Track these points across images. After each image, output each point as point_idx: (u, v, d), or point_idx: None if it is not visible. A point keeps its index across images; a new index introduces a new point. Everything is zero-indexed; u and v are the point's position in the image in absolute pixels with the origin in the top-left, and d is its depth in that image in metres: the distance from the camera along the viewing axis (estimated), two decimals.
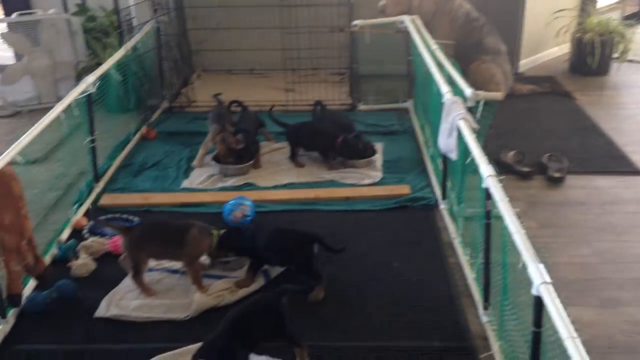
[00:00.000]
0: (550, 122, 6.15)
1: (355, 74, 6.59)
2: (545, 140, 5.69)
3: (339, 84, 6.79)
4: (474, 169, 3.79)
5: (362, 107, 6.55)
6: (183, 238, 3.66)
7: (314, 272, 3.71)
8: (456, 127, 3.80)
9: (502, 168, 5.16)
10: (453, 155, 4.00)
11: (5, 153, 3.50)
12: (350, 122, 5.64)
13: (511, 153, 5.24)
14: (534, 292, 2.41)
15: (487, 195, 3.16)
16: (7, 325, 3.48)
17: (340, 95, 6.57)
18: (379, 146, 5.57)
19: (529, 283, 2.69)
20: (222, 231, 3.82)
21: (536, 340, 2.51)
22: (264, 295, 3.27)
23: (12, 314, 3.55)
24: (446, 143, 4.05)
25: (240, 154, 5.15)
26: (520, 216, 3.20)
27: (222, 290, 3.71)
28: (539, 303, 2.41)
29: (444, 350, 3.31)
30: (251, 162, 5.22)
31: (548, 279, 2.37)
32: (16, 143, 3.64)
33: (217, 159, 5.18)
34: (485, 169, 3.17)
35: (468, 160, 3.62)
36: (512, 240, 2.75)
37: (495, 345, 3.26)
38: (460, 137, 3.87)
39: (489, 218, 3.25)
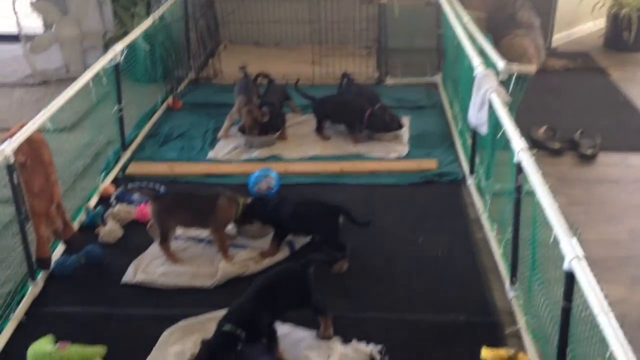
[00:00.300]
0: (583, 99, 6.01)
1: (383, 48, 6.50)
2: (578, 117, 5.57)
3: (366, 58, 6.69)
4: (504, 144, 3.73)
5: (389, 81, 6.47)
6: (212, 207, 3.67)
7: (338, 243, 3.69)
8: (487, 101, 3.72)
9: (532, 144, 5.05)
10: (483, 129, 3.93)
11: (35, 119, 3.52)
12: (376, 94, 5.57)
13: (542, 129, 5.14)
14: (565, 266, 2.36)
15: (519, 169, 3.10)
16: (36, 288, 3.53)
17: (368, 68, 6.49)
18: (406, 120, 5.49)
19: (558, 259, 2.65)
20: (248, 200, 3.82)
21: (566, 316, 2.47)
22: (290, 264, 3.27)
23: (41, 276, 3.61)
24: (477, 117, 3.97)
25: (265, 125, 5.13)
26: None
27: (247, 259, 3.72)
28: (570, 278, 2.36)
29: (469, 325, 3.28)
30: (277, 134, 5.20)
31: (581, 254, 2.32)
32: (46, 109, 3.66)
33: (242, 130, 5.17)
34: (518, 142, 3.10)
35: (499, 134, 3.55)
36: (543, 215, 2.70)
37: (521, 320, 3.22)
38: (491, 111, 3.80)
39: (520, 193, 3.19)
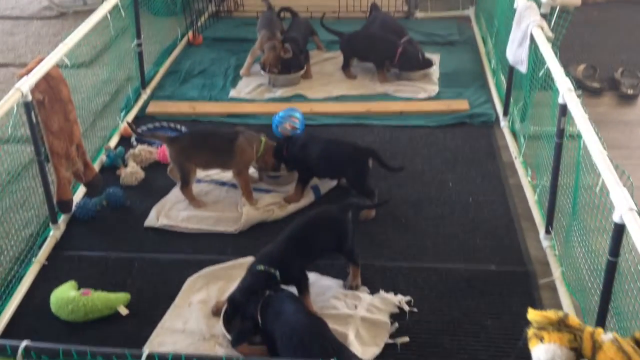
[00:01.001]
0: (626, 34, 5.66)
1: None
2: (619, 54, 5.26)
3: None
4: (542, 83, 3.52)
5: (418, 14, 6.15)
6: (231, 146, 3.54)
7: (367, 188, 3.56)
8: (529, 36, 3.47)
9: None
10: (523, 68, 3.69)
11: (52, 54, 3.36)
12: (402, 27, 5.26)
13: (581, 67, 4.86)
14: (616, 218, 2.20)
15: (563, 111, 2.89)
16: (58, 231, 3.48)
17: (396, 1, 6.16)
18: (435, 57, 5.23)
19: (602, 208, 2.50)
20: (269, 141, 3.67)
21: (611, 270, 2.33)
22: (329, 207, 3.17)
23: (62, 220, 3.55)
24: (516, 53, 3.73)
25: (288, 63, 4.91)
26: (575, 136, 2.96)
27: (271, 204, 3.61)
28: (619, 230, 2.21)
29: (500, 275, 3.17)
30: (301, 72, 4.99)
31: (633, 206, 2.15)
32: (62, 44, 3.50)
33: (264, 67, 4.97)
34: (563, 82, 2.88)
35: (541, 72, 3.32)
36: (590, 161, 2.53)
37: (556, 272, 3.10)
38: (531, 48, 3.55)
39: (562, 137, 3.00)
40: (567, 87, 2.82)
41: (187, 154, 3.55)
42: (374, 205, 3.47)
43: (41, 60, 3.26)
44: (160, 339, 2.85)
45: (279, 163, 3.66)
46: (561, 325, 1.73)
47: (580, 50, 5.27)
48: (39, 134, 3.23)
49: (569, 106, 2.75)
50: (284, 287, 2.83)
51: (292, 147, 3.63)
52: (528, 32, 3.48)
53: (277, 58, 4.86)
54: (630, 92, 4.66)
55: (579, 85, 4.74)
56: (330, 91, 4.87)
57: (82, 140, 3.60)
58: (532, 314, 1.76)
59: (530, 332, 1.82)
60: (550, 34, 3.38)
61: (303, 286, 2.90)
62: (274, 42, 4.87)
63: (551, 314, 1.71)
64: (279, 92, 4.86)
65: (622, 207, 2.14)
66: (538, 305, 2.97)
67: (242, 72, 5.11)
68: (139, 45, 4.69)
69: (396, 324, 2.87)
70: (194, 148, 3.56)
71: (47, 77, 3.25)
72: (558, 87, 2.90)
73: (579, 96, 2.82)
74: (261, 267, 2.79)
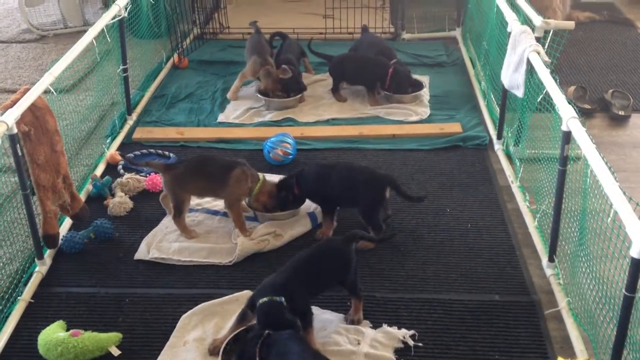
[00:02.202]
0: (611, 54, 5.69)
1: None
2: (608, 74, 5.27)
3: (380, 10, 6.32)
4: (538, 106, 3.48)
5: (405, 35, 6.13)
6: (226, 176, 3.43)
7: (376, 220, 3.44)
8: (526, 61, 3.44)
9: None
10: (520, 92, 3.66)
11: (37, 85, 3.23)
12: (390, 49, 5.22)
13: (571, 88, 4.85)
14: (634, 254, 2.14)
15: (567, 139, 2.84)
16: (44, 267, 3.32)
17: (383, 22, 6.14)
18: (425, 79, 5.20)
19: (610, 235, 2.45)
20: (268, 182, 3.56)
21: (627, 306, 2.26)
22: (334, 238, 3.05)
23: (49, 254, 3.40)
24: (512, 78, 3.69)
25: (288, 85, 4.82)
26: (579, 158, 2.93)
27: (266, 234, 3.50)
28: (637, 265, 2.15)
29: (505, 305, 3.09)
30: (299, 95, 4.89)
31: None
32: (48, 73, 3.37)
33: (263, 93, 4.86)
34: (566, 109, 2.84)
35: (539, 98, 3.28)
36: (596, 187, 2.48)
37: (562, 302, 3.03)
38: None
39: (565, 165, 2.95)
40: (571, 115, 2.77)
41: (183, 182, 3.44)
42: (379, 239, 3.38)
43: (26, 90, 3.14)
44: None
45: (286, 202, 3.53)
46: None
47: (569, 72, 5.28)
48: (24, 166, 3.09)
49: (575, 135, 2.70)
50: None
51: (305, 183, 3.50)
52: (524, 57, 3.45)
53: (275, 83, 4.77)
54: (621, 113, 4.66)
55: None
56: (321, 114, 4.80)
57: (68, 171, 3.46)
58: None
59: None
60: (547, 58, 3.35)
61: (308, 320, 2.79)
62: (268, 68, 4.78)
63: None
64: (269, 116, 4.77)
65: None
66: (545, 338, 2.90)
67: (229, 95, 5.01)
68: (125, 70, 4.57)
69: None
70: (189, 175, 3.45)
71: (33, 108, 3.12)
72: (561, 114, 2.85)
73: (582, 123, 2.77)
74: (264, 299, 2.68)
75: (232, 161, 3.54)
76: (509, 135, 4.21)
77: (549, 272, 3.23)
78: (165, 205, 3.64)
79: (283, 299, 2.68)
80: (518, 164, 3.97)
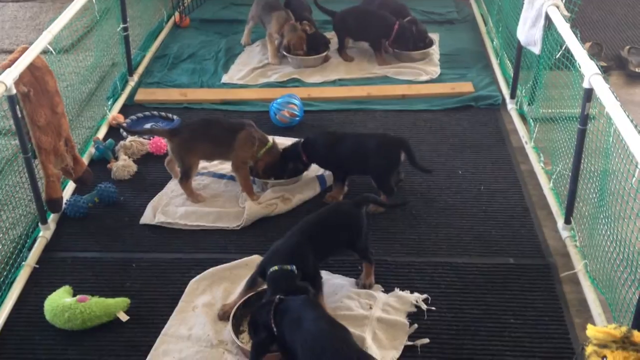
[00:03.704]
0: (629, 10, 5.50)
1: None
2: (624, 31, 5.10)
3: None
4: (553, 64, 3.36)
5: None
6: (232, 138, 3.33)
7: (389, 184, 3.35)
8: (544, 15, 3.29)
9: None
10: (537, 49, 3.52)
11: (36, 43, 3.11)
12: (404, 5, 5.06)
13: (587, 45, 4.69)
14: None
15: (588, 96, 2.73)
16: (48, 232, 3.25)
17: None
18: (435, 37, 5.04)
19: (628, 194, 2.36)
20: (276, 147, 3.45)
21: None
22: (344, 202, 2.97)
23: (52, 219, 3.32)
24: (529, 34, 3.55)
25: (315, 41, 4.66)
26: (596, 117, 2.83)
27: (274, 198, 3.42)
28: None
29: (520, 268, 3.02)
30: (326, 51, 4.74)
31: None
32: (47, 31, 3.24)
33: (288, 50, 4.70)
34: (588, 65, 2.71)
35: (558, 54, 3.15)
36: (622, 148, 2.38)
37: (579, 264, 2.96)
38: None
39: (586, 124, 2.84)
40: (594, 71, 2.65)
41: (189, 147, 3.34)
42: (390, 205, 3.29)
43: (25, 49, 3.01)
44: (165, 347, 2.66)
45: (294, 168, 3.43)
46: (626, 342, 1.58)
47: (584, 27, 5.10)
48: (24, 129, 2.99)
49: (597, 92, 2.59)
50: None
51: (314, 150, 3.40)
52: (543, 11, 3.31)
53: (302, 39, 4.61)
54: (638, 70, 4.52)
55: None
56: (328, 75, 4.66)
57: (70, 133, 3.36)
58: (592, 331, 1.60)
59: (590, 349, 1.67)
60: (566, 13, 3.20)
61: (317, 285, 2.72)
62: (293, 23, 4.61)
63: (614, 331, 1.55)
64: (274, 77, 4.64)
65: None
66: (561, 301, 2.84)
67: (271, 60, 4.76)
68: (125, 29, 4.42)
69: (415, 325, 2.72)
70: (196, 140, 3.34)
71: (32, 68, 3.00)
72: (583, 71, 2.73)
73: (605, 80, 2.66)
74: (275, 268, 2.61)
75: (238, 122, 3.43)
76: (523, 94, 4.09)
77: (564, 234, 3.15)
78: (170, 169, 3.55)
79: (294, 267, 2.61)
80: (532, 124, 3.85)
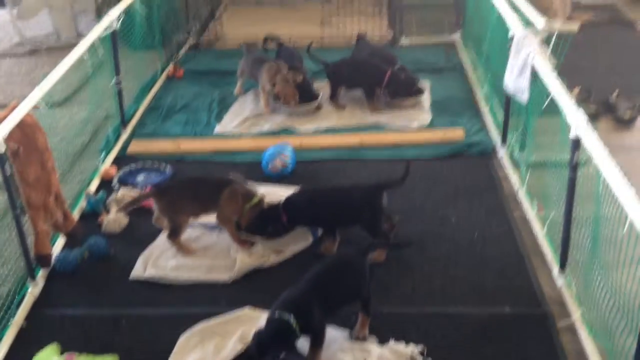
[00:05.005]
0: (614, 56, 5.59)
1: (397, 3, 6.03)
2: (612, 77, 5.17)
3: (378, 16, 6.23)
4: (542, 111, 3.38)
5: (404, 41, 6.04)
6: (217, 195, 3.34)
7: (381, 229, 3.33)
8: (530, 65, 3.34)
9: None
10: (524, 97, 3.55)
11: (26, 101, 3.13)
12: (392, 55, 5.14)
13: (575, 90, 4.74)
14: None
15: (576, 146, 2.74)
16: (36, 288, 3.21)
17: (381, 28, 6.05)
18: (425, 85, 5.10)
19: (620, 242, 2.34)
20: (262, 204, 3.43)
21: None
22: (347, 252, 2.97)
23: (41, 275, 3.29)
24: (516, 83, 3.59)
25: (305, 91, 4.71)
26: (586, 163, 2.82)
27: (266, 250, 3.38)
28: None
29: (516, 317, 2.97)
30: (317, 100, 4.78)
31: None
32: (38, 88, 3.27)
33: (280, 100, 4.73)
34: (575, 115, 2.73)
35: (545, 104, 3.18)
36: (612, 197, 2.37)
37: (575, 313, 2.91)
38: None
39: (575, 172, 2.84)
40: (581, 121, 2.66)
41: (177, 207, 3.34)
42: (397, 245, 3.30)
43: (15, 107, 3.03)
44: None
45: (275, 230, 3.38)
46: None
47: (571, 74, 5.14)
48: (13, 185, 2.98)
49: (584, 142, 2.59)
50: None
51: (296, 210, 3.37)
52: (529, 61, 3.35)
53: (293, 88, 4.67)
54: (627, 115, 4.56)
55: None
56: (319, 123, 4.69)
57: (60, 189, 3.35)
58: None
59: None
60: (552, 63, 3.24)
61: (319, 340, 2.67)
62: (284, 74, 4.66)
63: None
64: (267, 127, 4.67)
65: None
66: (559, 351, 2.78)
67: (265, 111, 4.79)
68: (119, 82, 4.46)
69: None
70: (182, 199, 3.36)
71: (22, 125, 3.01)
72: (569, 121, 2.74)
73: (593, 127, 2.67)
74: (285, 316, 2.57)
75: (223, 180, 3.44)
76: (514, 140, 4.11)
77: (560, 281, 3.12)
78: (159, 224, 3.53)
79: (292, 316, 2.57)
80: (524, 170, 3.85)
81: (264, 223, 3.36)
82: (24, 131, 3.04)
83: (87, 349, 2.83)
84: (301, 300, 2.64)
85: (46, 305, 3.15)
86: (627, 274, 2.45)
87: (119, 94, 4.52)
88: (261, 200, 3.41)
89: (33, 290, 3.19)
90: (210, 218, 3.65)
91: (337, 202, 3.35)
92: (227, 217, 3.36)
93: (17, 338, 2.96)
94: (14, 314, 3.04)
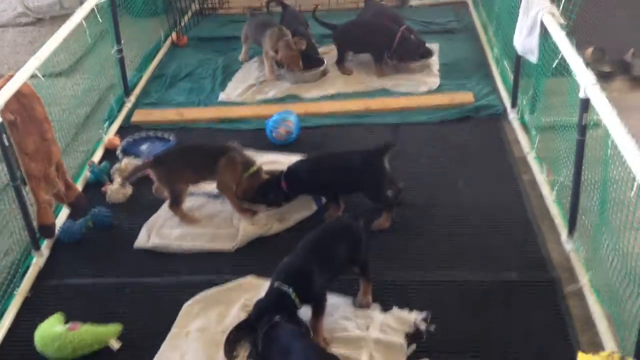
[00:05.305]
0: (633, 12, 5.38)
1: None
2: (628, 34, 4.98)
3: None
4: (554, 72, 3.27)
5: (413, 2, 5.88)
6: (214, 163, 3.30)
7: (385, 196, 3.25)
8: (540, 24, 3.21)
9: None
10: (533, 57, 3.44)
11: (22, 70, 3.08)
12: (398, 15, 5.00)
13: (589, 50, 4.61)
14: None
15: (584, 107, 2.64)
16: (41, 258, 3.21)
17: None
18: (434, 47, 4.97)
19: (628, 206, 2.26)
20: (261, 173, 3.39)
21: None
22: (342, 217, 2.93)
23: (46, 245, 3.29)
24: (525, 42, 3.47)
25: (309, 57, 4.61)
26: (597, 125, 2.73)
27: (269, 217, 3.35)
28: None
29: (523, 283, 2.92)
30: (323, 66, 4.69)
31: None
32: (34, 57, 3.22)
33: (283, 66, 4.64)
34: (584, 75, 2.63)
35: (555, 63, 3.07)
36: (621, 159, 2.29)
37: (583, 278, 2.86)
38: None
39: (584, 134, 2.75)
40: (590, 81, 2.56)
41: (174, 176, 3.32)
42: (385, 207, 3.21)
43: (11, 77, 2.98)
44: None
45: (275, 198, 3.34)
46: None
47: (586, 31, 4.99)
48: (12, 157, 2.96)
49: (594, 102, 2.50)
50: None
51: (297, 178, 3.30)
52: (538, 19, 3.23)
53: (296, 55, 4.56)
54: None
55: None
56: (326, 89, 4.60)
57: (61, 159, 3.32)
58: (583, 359, 1.51)
59: None
60: (562, 20, 3.12)
61: (320, 307, 2.65)
62: (287, 40, 4.55)
63: (605, 357, 1.46)
64: (271, 93, 4.59)
65: None
66: (566, 317, 2.73)
67: (268, 77, 4.70)
68: (120, 50, 4.40)
69: (414, 346, 2.63)
70: (179, 168, 3.32)
71: (19, 96, 2.97)
72: (579, 81, 2.64)
73: (602, 89, 2.57)
74: (284, 288, 2.54)
75: (220, 147, 3.40)
76: (524, 103, 4.00)
77: (568, 247, 3.05)
78: (160, 194, 3.50)
79: (291, 289, 2.54)
80: (534, 133, 3.76)
81: (264, 191, 3.31)
82: (21, 102, 3.00)
83: (91, 318, 2.82)
84: (299, 270, 2.61)
85: (51, 276, 3.16)
86: (635, 238, 2.38)
87: (121, 62, 4.46)
88: (259, 169, 3.36)
89: (38, 261, 3.19)
90: (213, 186, 3.63)
91: (336, 168, 3.29)
92: (227, 185, 3.32)
93: (22, 307, 2.97)
94: (19, 284, 3.05)
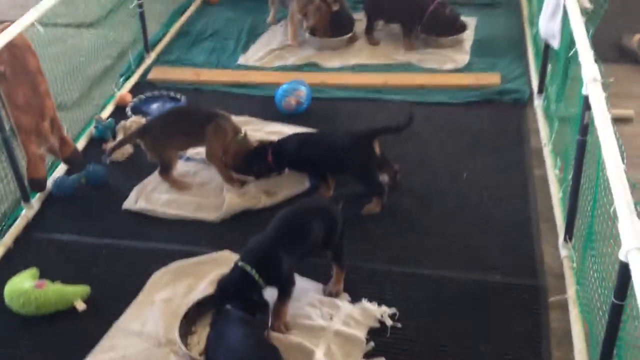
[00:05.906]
0: None
1: None
2: None
3: None
4: (572, 60, 2.98)
5: None
6: (201, 130, 3.24)
7: (375, 180, 3.12)
8: (562, 6, 2.92)
9: (624, 55, 4.21)
10: (555, 43, 3.15)
11: (18, 21, 3.06)
12: None
13: (637, 37, 4.22)
14: (621, 256, 1.74)
15: (587, 104, 2.38)
16: (30, 211, 3.25)
17: None
18: (471, 21, 4.67)
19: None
20: (247, 142, 3.29)
21: (615, 314, 1.88)
22: (319, 197, 2.80)
23: (37, 198, 3.32)
24: (548, 26, 3.18)
25: (339, 22, 4.44)
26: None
27: (258, 191, 3.26)
28: (624, 271, 1.75)
29: (506, 287, 2.73)
30: (351, 34, 4.51)
31: None
32: (34, 9, 3.19)
33: (313, 32, 4.49)
34: (589, 69, 2.35)
35: (572, 52, 2.79)
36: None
37: (571, 289, 2.64)
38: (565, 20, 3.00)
39: (586, 134, 2.49)
40: (593, 75, 2.30)
41: (162, 143, 3.27)
42: (377, 193, 3.06)
43: (5, 27, 2.98)
44: (112, 342, 2.59)
45: (259, 169, 3.26)
46: None
47: (633, 17, 4.55)
48: (1, 108, 2.97)
49: (590, 100, 2.24)
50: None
51: (284, 153, 3.21)
52: (561, 2, 2.92)
53: (326, 18, 4.40)
54: None
55: (633, 57, 4.15)
56: (348, 59, 4.42)
57: (57, 114, 3.32)
58: None
59: None
60: (587, 5, 2.81)
61: (286, 290, 2.56)
62: (317, 4, 4.38)
63: None
64: (291, 60, 4.45)
65: (629, 244, 1.67)
66: (543, 328, 2.54)
67: (291, 42, 4.58)
68: (140, 5, 4.35)
69: (372, 343, 2.50)
70: (166, 135, 3.27)
71: (10, 47, 2.96)
72: (582, 74, 2.38)
73: (605, 85, 2.30)
74: (247, 268, 2.47)
75: (208, 113, 3.31)
76: (552, 90, 3.69)
77: (563, 252, 2.83)
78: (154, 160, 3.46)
79: (254, 270, 2.45)
80: (556, 124, 3.47)
81: (250, 161, 3.22)
82: (13, 52, 2.99)
83: (64, 276, 2.84)
84: (266, 251, 2.51)
85: (37, 229, 3.19)
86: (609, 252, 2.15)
87: (142, 17, 4.41)
88: (244, 138, 3.27)
89: (27, 213, 3.23)
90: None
91: (323, 147, 3.15)
92: (214, 153, 3.25)
93: (2, 259, 3.01)
94: (4, 234, 3.10)
